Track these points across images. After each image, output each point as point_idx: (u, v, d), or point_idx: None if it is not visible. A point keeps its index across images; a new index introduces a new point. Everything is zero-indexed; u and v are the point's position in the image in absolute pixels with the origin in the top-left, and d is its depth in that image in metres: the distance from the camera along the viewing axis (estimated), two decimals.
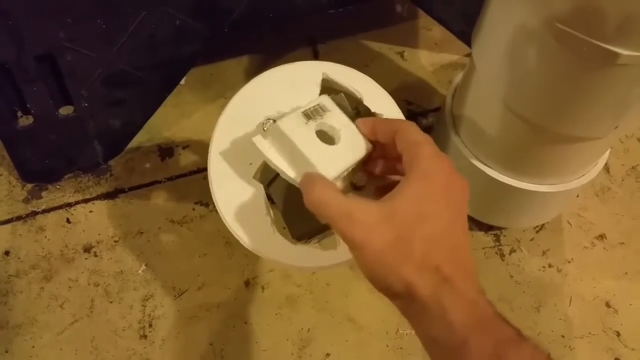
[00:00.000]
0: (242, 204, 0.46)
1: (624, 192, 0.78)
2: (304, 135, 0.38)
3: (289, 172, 0.39)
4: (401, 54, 0.90)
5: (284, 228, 0.53)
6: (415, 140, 0.36)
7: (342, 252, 0.46)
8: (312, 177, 0.37)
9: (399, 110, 0.49)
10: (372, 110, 0.49)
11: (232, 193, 0.46)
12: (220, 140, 0.47)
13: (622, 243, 0.73)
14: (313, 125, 0.39)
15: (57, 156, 0.71)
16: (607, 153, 0.64)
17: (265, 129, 0.46)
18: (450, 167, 0.35)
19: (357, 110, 0.50)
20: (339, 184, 0.39)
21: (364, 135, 0.41)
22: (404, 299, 0.32)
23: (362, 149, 0.40)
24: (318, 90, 0.47)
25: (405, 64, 0.89)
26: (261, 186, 0.46)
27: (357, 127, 0.41)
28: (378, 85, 0.50)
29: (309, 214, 0.56)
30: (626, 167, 0.81)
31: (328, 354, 0.63)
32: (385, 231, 0.32)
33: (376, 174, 0.42)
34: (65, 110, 0.66)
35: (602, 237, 0.74)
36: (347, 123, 0.41)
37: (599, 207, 0.77)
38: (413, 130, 0.37)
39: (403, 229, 0.32)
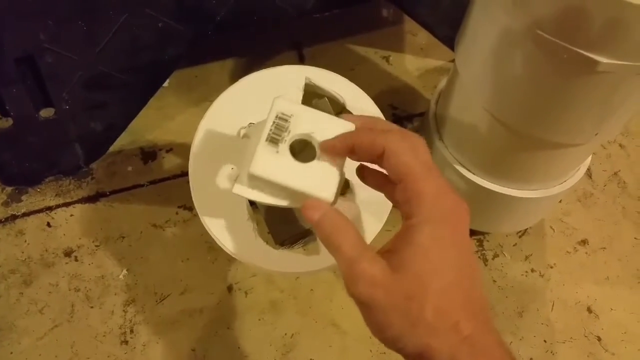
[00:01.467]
0: (224, 208, 0.45)
1: (606, 197, 0.79)
2: (281, 168, 0.34)
3: (285, 203, 0.36)
4: (387, 59, 0.90)
5: (268, 233, 0.52)
6: (411, 172, 0.31)
7: (325, 258, 0.45)
8: (317, 206, 0.33)
9: (382, 116, 0.49)
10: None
11: (213, 198, 0.45)
12: (201, 144, 0.47)
13: (604, 248, 0.74)
14: (285, 148, 0.35)
15: (38, 159, 0.70)
16: (589, 159, 0.65)
17: (242, 136, 0.46)
18: (455, 201, 0.31)
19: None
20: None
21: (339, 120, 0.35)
22: None
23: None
24: (301, 94, 0.47)
25: (390, 69, 0.89)
26: None
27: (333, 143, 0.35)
28: (361, 90, 0.50)
29: (292, 218, 0.56)
30: (608, 172, 0.81)
31: None
32: (392, 290, 0.29)
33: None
34: (46, 113, 0.65)
35: (584, 242, 0.74)
36: (318, 117, 0.36)
37: (581, 212, 0.77)
38: (404, 155, 0.31)
39: (413, 286, 0.29)
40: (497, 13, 0.47)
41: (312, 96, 0.50)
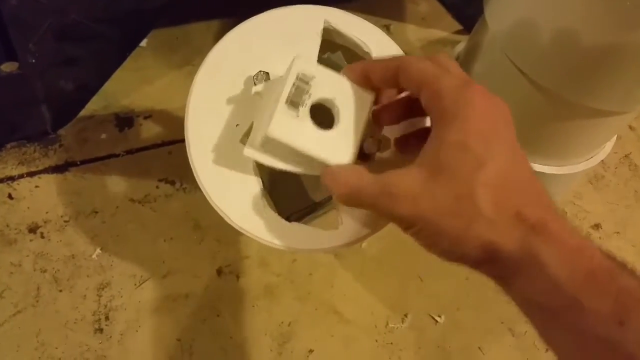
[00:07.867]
0: (227, 174, 0.38)
1: (617, 180, 0.75)
2: (300, 133, 0.32)
3: (300, 169, 0.34)
4: (387, 27, 0.84)
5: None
6: (426, 75, 0.28)
7: (341, 234, 0.39)
8: (332, 173, 0.31)
9: None
10: None
11: (214, 161, 0.38)
12: (199, 99, 0.39)
13: (617, 232, 0.70)
14: (305, 112, 0.32)
15: None
16: (614, 138, 0.60)
17: (256, 82, 0.38)
18: (482, 92, 0.27)
19: None
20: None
21: (358, 86, 0.33)
22: (487, 263, 0.26)
23: (365, 104, 0.33)
24: (319, 41, 0.40)
25: (391, 38, 0.83)
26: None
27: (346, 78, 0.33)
28: (390, 39, 0.43)
29: (299, 192, 0.50)
30: (619, 154, 0.77)
31: (311, 350, 0.57)
32: (437, 195, 0.26)
33: (388, 124, 0.35)
34: (9, 67, 0.57)
35: (597, 226, 0.70)
36: (339, 80, 0.33)
37: (593, 195, 0.73)
38: (418, 63, 0.29)
39: (459, 184, 0.26)
40: None
41: (329, 45, 0.43)
